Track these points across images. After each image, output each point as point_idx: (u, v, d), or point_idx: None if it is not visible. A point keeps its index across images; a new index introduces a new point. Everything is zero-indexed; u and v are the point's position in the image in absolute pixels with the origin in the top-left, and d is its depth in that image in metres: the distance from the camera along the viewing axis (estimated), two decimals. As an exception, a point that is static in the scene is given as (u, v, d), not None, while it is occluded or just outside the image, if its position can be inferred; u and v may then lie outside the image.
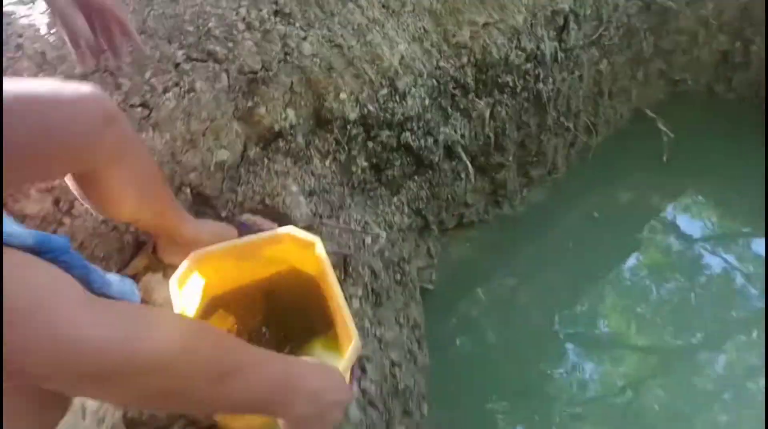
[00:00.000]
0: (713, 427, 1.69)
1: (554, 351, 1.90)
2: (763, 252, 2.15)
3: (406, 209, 1.85)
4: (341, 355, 1.08)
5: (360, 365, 1.33)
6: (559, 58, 2.05)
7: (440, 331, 1.98)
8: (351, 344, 1.00)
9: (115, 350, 0.54)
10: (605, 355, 1.89)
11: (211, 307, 1.18)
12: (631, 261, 2.22)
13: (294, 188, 1.54)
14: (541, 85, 2.03)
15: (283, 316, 1.19)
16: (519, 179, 2.24)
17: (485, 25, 1.84)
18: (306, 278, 1.23)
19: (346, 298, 1.08)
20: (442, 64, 1.79)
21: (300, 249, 1.17)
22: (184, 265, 1.09)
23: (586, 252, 2.21)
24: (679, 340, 1.92)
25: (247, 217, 1.34)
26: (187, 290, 1.10)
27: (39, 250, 0.62)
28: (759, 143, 2.39)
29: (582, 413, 1.73)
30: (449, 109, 1.86)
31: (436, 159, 1.83)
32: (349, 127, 1.66)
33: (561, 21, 2.02)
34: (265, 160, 1.55)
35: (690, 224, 2.36)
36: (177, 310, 1.03)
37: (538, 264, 2.16)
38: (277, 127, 1.53)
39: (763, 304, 1.97)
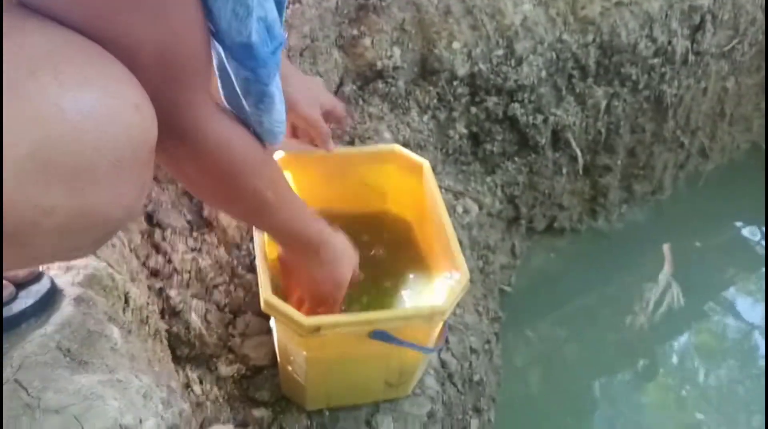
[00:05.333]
0: None
1: (595, 418, 1.73)
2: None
3: (499, 193, 1.64)
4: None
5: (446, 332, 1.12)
6: (689, 61, 1.84)
7: (508, 339, 1.76)
8: (459, 280, 0.80)
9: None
10: None
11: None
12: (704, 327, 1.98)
13: (387, 135, 1.36)
14: (665, 87, 1.82)
15: (368, 259, 1.00)
16: (620, 192, 2.01)
17: (618, 3, 1.65)
18: (400, 225, 1.04)
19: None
20: (565, 37, 1.60)
21: (404, 172, 0.98)
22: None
23: (663, 300, 1.96)
24: None
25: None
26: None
27: None
28: None
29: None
30: (564, 91, 1.66)
31: (542, 142, 1.62)
32: (455, 83, 1.48)
33: (697, 19, 1.81)
34: (360, 101, 1.38)
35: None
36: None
37: (612, 302, 1.93)
38: (379, 65, 1.36)
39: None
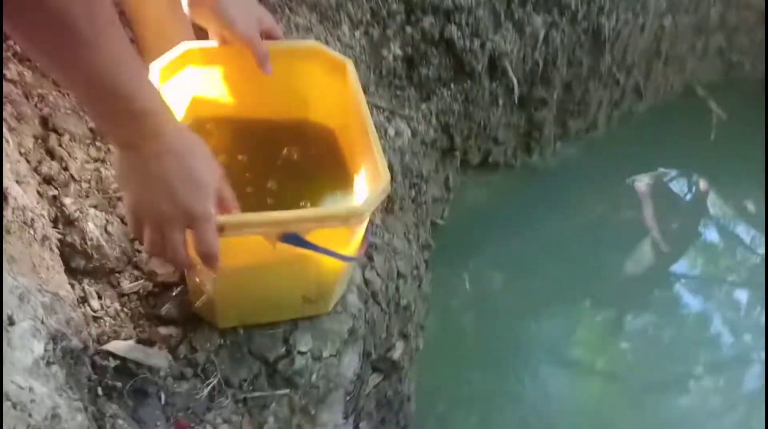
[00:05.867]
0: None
1: (523, 355, 1.74)
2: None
3: (433, 121, 1.59)
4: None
5: (369, 243, 1.07)
6: (628, -7, 1.81)
7: (439, 273, 1.75)
8: (379, 181, 0.74)
9: None
10: (572, 376, 1.77)
11: (198, 130, 0.91)
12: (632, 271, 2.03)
13: (316, 49, 1.27)
14: (603, 19, 1.79)
15: (289, 169, 0.93)
16: (555, 128, 1.99)
17: (560, -75, 1.59)
18: (322, 133, 0.97)
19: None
20: (505, -43, 1.53)
21: (326, 71, 0.90)
22: (174, 53, 0.83)
23: (593, 242, 2.01)
24: (646, 376, 1.79)
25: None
26: (171, 89, 0.83)
27: None
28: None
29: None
30: (502, 16, 1.60)
31: (479, 68, 1.57)
32: (390, -2, 1.40)
33: (639, -51, 1.78)
34: (286, 9, 1.29)
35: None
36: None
37: (543, 241, 1.94)
38: (305, -27, 1.27)
39: (734, 351, 1.89)
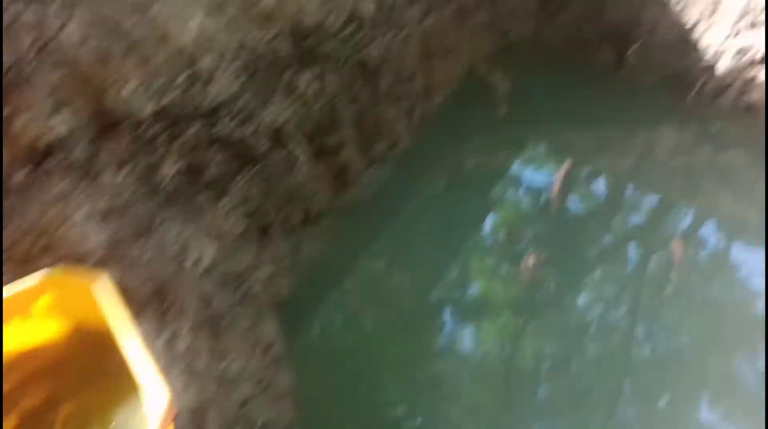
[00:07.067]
0: (585, 358, 1.81)
1: (433, 324, 1.90)
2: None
3: (238, 212, 1.58)
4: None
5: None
6: (380, 19, 1.86)
7: (303, 343, 1.79)
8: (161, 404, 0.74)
9: None
10: (480, 317, 1.94)
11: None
12: (489, 222, 2.25)
13: (79, 214, 1.22)
14: (368, 51, 1.83)
15: (75, 389, 0.90)
16: (363, 158, 2.04)
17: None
18: (101, 333, 0.93)
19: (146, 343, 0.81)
20: (250, 37, 1.52)
21: (77, 295, 0.87)
22: None
23: (445, 220, 2.15)
24: (543, 288, 1.98)
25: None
26: None
27: None
28: (583, 84, 2.38)
29: (468, 379, 1.76)
30: (269, 89, 1.60)
31: (263, 148, 1.57)
32: (144, 125, 1.35)
33: (376, -23, 1.83)
34: (39, 186, 1.21)
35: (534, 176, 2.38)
36: None
37: (401, 242, 2.07)
38: (45, 141, 1.20)
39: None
